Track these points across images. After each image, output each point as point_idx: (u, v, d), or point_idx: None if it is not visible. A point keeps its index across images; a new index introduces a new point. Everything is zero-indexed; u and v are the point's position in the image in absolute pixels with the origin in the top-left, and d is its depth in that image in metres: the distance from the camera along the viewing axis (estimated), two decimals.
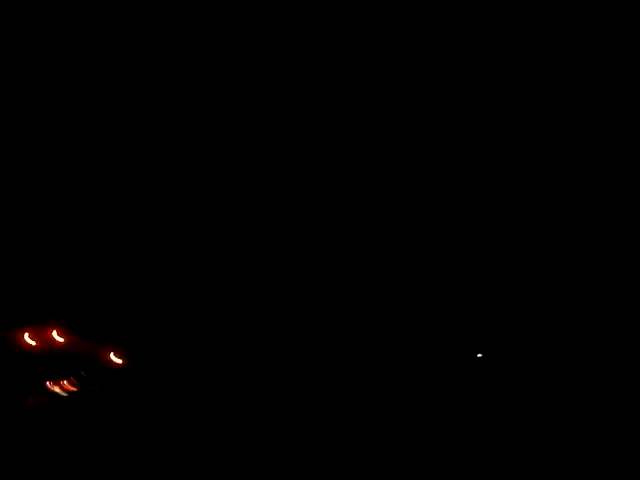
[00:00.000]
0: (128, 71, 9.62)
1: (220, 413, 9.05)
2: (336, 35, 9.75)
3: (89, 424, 8.87)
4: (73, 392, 9.02)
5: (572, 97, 9.66)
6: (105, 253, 10.00)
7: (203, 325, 9.81)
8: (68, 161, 9.86)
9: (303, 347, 9.84)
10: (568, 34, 9.50)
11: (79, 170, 9.91)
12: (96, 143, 9.87)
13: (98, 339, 9.42)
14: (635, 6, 9.15)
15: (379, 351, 9.80)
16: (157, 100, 9.82)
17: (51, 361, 9.40)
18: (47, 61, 9.32)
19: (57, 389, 9.07)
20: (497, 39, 9.62)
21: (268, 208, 10.25)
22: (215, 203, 10.18)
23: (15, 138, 9.72)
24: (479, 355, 9.77)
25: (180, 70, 9.73)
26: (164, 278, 9.96)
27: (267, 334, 9.88)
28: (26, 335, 9.52)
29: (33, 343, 9.52)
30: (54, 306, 9.71)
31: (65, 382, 9.06)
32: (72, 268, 9.94)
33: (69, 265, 9.94)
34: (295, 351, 9.76)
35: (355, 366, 9.68)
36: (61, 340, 9.52)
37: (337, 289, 10.13)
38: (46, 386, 9.11)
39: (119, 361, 9.29)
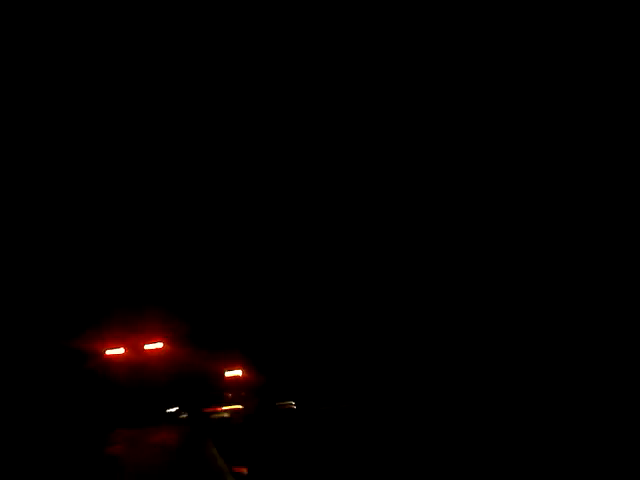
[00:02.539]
0: (128, 72, 9.04)
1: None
2: (336, 36, 9.72)
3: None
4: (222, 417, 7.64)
5: (570, 97, 10.15)
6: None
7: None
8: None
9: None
10: (567, 35, 9.93)
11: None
12: (97, 145, 9.20)
13: (206, 346, 7.99)
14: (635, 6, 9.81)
15: (379, 351, 9.86)
16: (157, 100, 9.33)
17: (153, 380, 7.76)
18: (48, 61, 9.29)
19: (183, 415, 7.64)
20: (496, 40, 9.81)
21: (268, 207, 10.10)
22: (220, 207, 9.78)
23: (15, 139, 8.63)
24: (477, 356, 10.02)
25: (180, 71, 9.36)
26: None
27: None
28: (117, 348, 7.73)
29: (121, 353, 7.78)
30: (143, 309, 8.02)
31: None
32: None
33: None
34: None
35: (355, 366, 9.67)
36: (156, 350, 7.91)
37: (337, 288, 10.12)
38: (174, 415, 7.61)
39: (239, 374, 8.03)
